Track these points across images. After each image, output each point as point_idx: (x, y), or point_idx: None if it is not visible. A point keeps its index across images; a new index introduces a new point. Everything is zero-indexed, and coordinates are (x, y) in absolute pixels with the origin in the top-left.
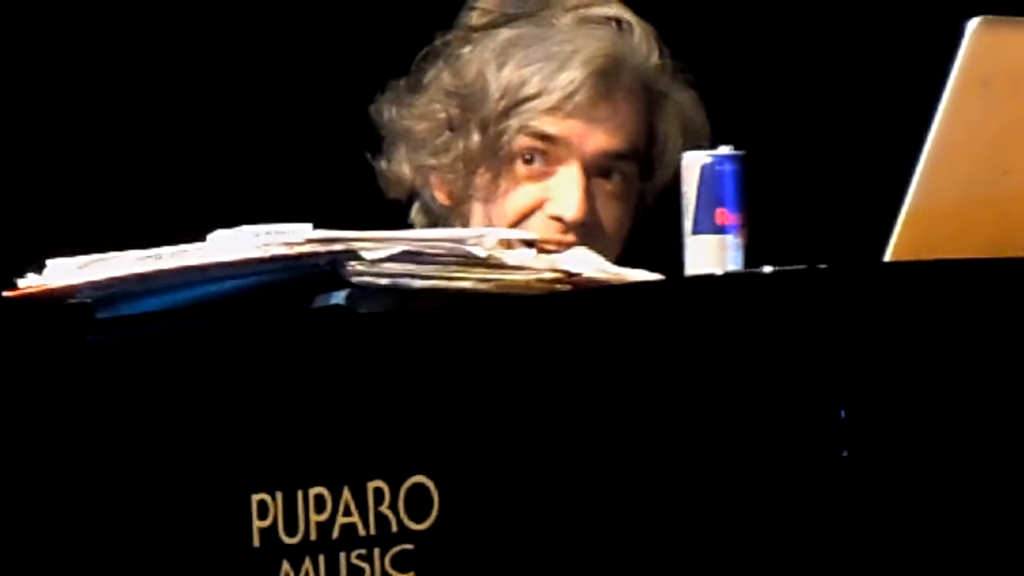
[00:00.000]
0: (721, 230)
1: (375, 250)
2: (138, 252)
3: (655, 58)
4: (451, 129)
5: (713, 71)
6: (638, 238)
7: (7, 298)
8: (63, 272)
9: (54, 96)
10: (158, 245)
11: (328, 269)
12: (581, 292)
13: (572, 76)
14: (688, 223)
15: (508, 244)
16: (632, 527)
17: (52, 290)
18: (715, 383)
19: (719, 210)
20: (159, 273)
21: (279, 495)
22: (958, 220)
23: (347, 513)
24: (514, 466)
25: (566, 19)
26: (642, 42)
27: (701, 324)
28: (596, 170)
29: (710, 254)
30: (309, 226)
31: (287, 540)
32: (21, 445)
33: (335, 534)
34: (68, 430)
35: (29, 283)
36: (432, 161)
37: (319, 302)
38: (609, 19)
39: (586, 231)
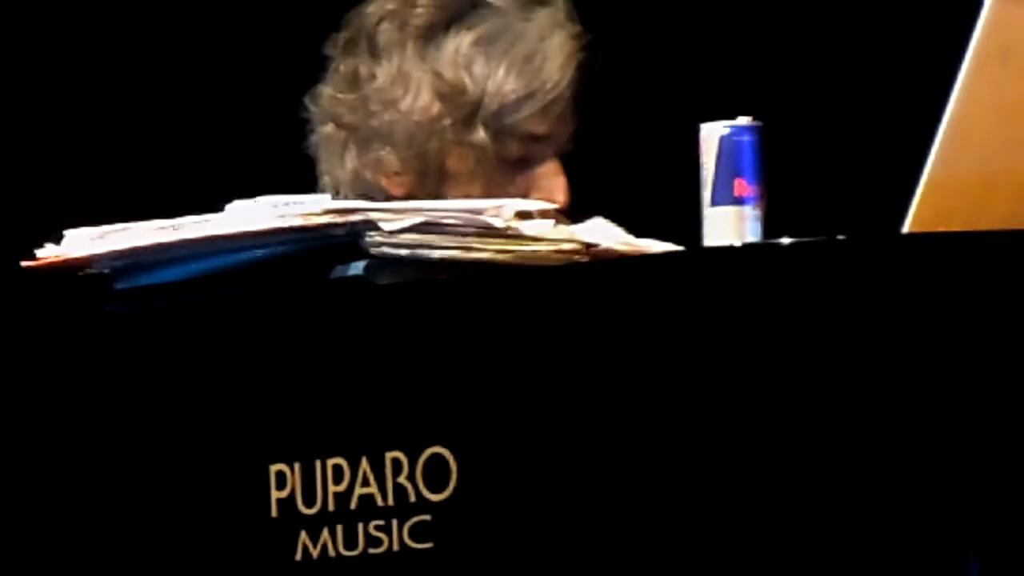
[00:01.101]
0: (739, 201)
1: (393, 221)
2: (156, 222)
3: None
4: (432, 129)
5: (731, 42)
6: (656, 210)
7: (25, 268)
8: (81, 242)
9: (71, 69)
10: (176, 215)
11: (346, 240)
12: (600, 263)
13: (557, 76)
14: (707, 194)
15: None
16: (651, 497)
17: (70, 260)
18: (734, 354)
19: (737, 181)
20: (177, 243)
21: (297, 466)
22: (976, 192)
23: (365, 484)
24: (532, 438)
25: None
26: (572, 16)
27: (720, 295)
28: (561, 152)
29: (729, 225)
30: (327, 197)
31: (305, 511)
32: (40, 415)
33: (353, 504)
34: (86, 401)
35: (47, 253)
36: (398, 157)
37: (337, 273)
38: None
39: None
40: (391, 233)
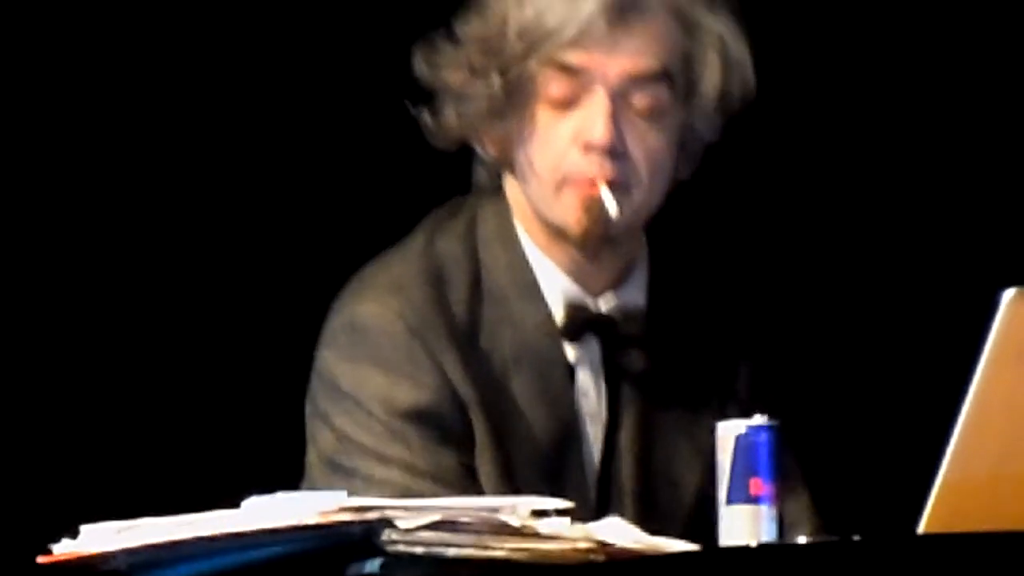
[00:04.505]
0: (755, 500)
1: (409, 519)
2: (173, 518)
3: None
4: (476, 75)
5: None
6: None
7: (41, 564)
8: (98, 538)
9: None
10: (192, 510)
11: (362, 537)
12: (616, 562)
13: (589, 7)
14: (722, 493)
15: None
16: None
17: (87, 556)
18: None
19: (753, 480)
20: (194, 540)
21: None
22: (992, 493)
23: None
24: None
25: None
26: None
27: None
28: (623, 96)
29: (744, 524)
30: (343, 493)
31: None
32: None
33: None
34: None
35: (63, 549)
36: (471, 110)
37: (353, 570)
38: None
39: (621, 159)
40: (407, 531)
